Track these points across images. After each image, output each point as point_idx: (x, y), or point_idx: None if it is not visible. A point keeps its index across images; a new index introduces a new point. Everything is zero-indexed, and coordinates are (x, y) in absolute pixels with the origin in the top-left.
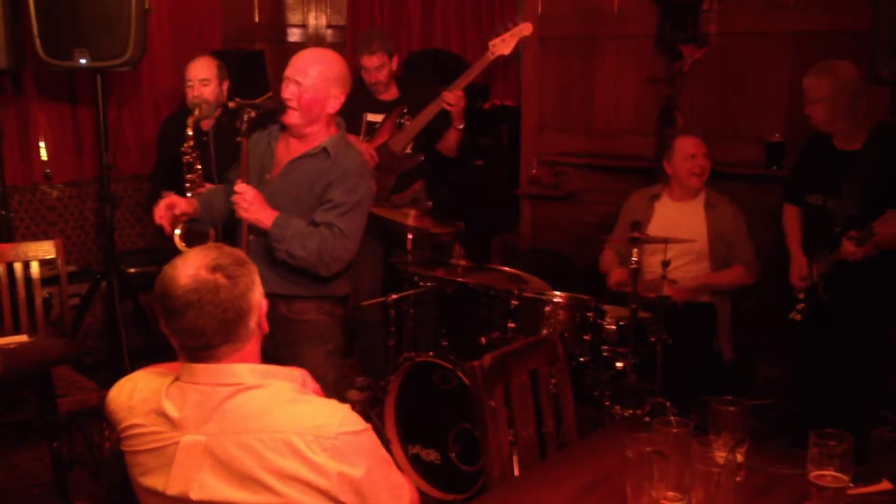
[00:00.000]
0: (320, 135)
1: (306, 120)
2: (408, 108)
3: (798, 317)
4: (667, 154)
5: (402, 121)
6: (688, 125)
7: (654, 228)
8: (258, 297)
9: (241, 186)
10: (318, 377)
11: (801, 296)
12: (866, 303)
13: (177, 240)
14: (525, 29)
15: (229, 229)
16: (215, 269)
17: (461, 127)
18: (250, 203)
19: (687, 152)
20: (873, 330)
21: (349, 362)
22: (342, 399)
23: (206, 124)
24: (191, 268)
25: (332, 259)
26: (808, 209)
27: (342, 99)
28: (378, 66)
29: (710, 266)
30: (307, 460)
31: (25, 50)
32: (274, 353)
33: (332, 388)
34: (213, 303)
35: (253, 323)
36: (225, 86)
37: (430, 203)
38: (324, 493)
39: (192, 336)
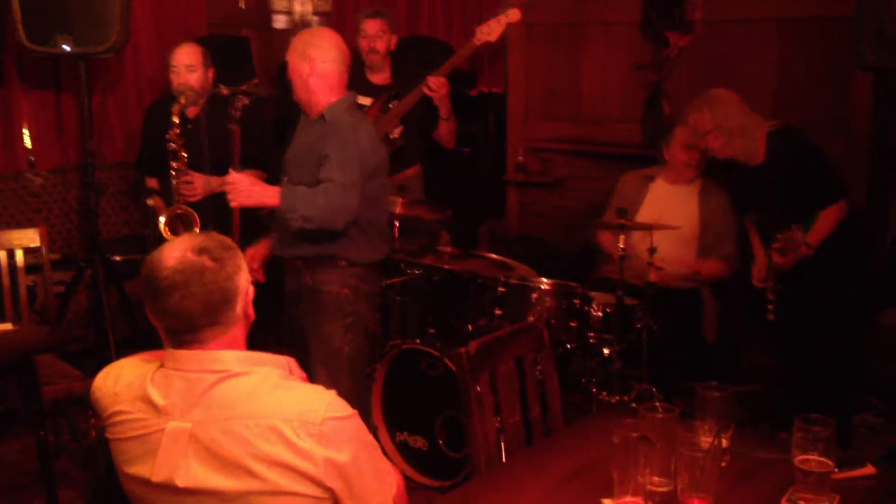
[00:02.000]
0: (322, 106)
1: (298, 94)
2: (399, 91)
3: (772, 317)
4: (666, 139)
5: (389, 104)
6: (675, 112)
7: (645, 209)
8: (244, 283)
9: (233, 176)
10: (333, 349)
11: (771, 296)
12: (819, 297)
13: (162, 228)
14: (512, 15)
15: (219, 220)
16: (201, 251)
17: (447, 117)
18: (249, 188)
19: (685, 142)
20: (832, 322)
21: None
22: (357, 374)
23: (192, 112)
24: (177, 250)
25: (341, 209)
26: (756, 224)
27: (317, 63)
28: (377, 32)
29: (695, 252)
30: (293, 446)
31: (8, 36)
32: (303, 322)
33: (347, 363)
34: (199, 283)
35: (238, 308)
36: (210, 73)
37: (422, 192)
38: (310, 479)
39: (176, 318)
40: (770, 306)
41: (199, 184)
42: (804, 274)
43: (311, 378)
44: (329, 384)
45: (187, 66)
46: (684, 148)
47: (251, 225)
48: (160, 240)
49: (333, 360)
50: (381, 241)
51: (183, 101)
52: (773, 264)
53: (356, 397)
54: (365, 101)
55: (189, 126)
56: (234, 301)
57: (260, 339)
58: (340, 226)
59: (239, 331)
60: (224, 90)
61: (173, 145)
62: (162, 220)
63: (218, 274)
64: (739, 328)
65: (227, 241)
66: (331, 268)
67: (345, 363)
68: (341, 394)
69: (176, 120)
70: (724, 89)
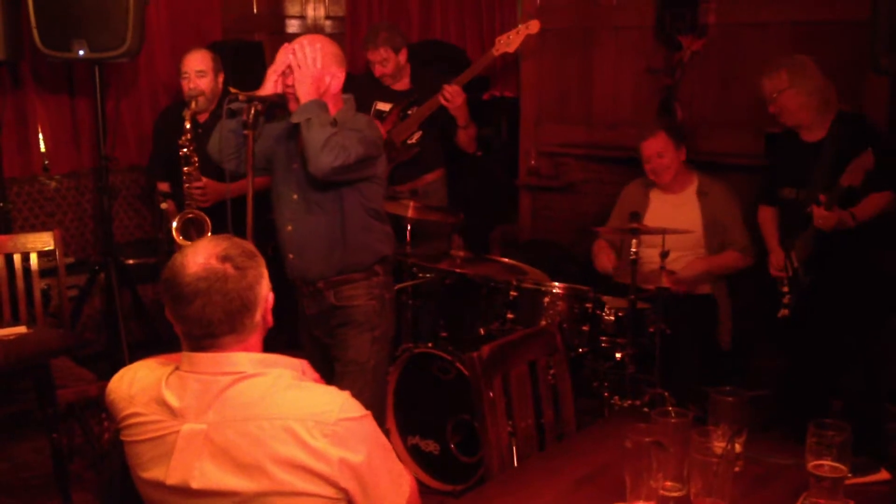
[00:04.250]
0: (331, 112)
1: (315, 95)
2: (419, 98)
3: (786, 312)
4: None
5: (408, 111)
6: (687, 116)
7: (649, 219)
8: (265, 291)
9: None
10: (360, 361)
11: (785, 289)
12: (849, 278)
13: (174, 232)
14: (532, 27)
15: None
16: (225, 259)
17: (465, 125)
18: (314, 67)
19: (643, 156)
20: (863, 307)
21: None
22: (379, 385)
23: (202, 117)
24: (201, 256)
25: (344, 143)
26: (784, 204)
27: (342, 77)
28: (382, 60)
29: (705, 254)
30: (308, 446)
31: (23, 41)
32: (327, 340)
33: (372, 375)
34: (221, 292)
35: (258, 315)
36: (220, 78)
37: (445, 197)
38: (325, 479)
39: (197, 324)
40: (785, 299)
41: (211, 189)
42: (826, 265)
43: None
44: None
45: (198, 71)
46: (644, 160)
47: (264, 228)
48: (173, 243)
49: (360, 374)
50: (391, 231)
51: (194, 106)
52: (807, 238)
53: (375, 407)
54: (385, 106)
55: (200, 130)
56: (253, 309)
57: (272, 340)
58: (327, 159)
59: (257, 337)
60: (242, 96)
61: (185, 150)
62: (174, 224)
63: (240, 283)
64: (754, 332)
65: (251, 248)
66: (354, 283)
67: (370, 376)
68: (360, 403)
69: (188, 125)
70: (804, 56)
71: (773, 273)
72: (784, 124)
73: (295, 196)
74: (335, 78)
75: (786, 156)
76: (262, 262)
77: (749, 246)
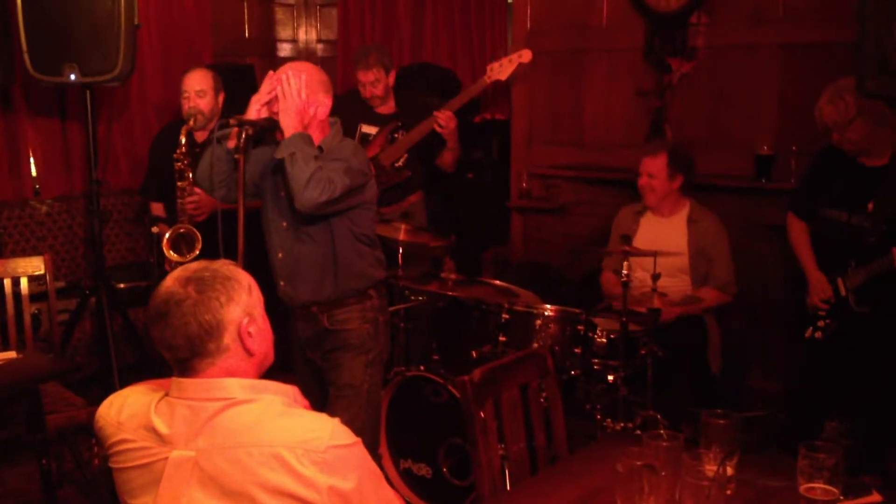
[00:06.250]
0: (317, 140)
1: (302, 124)
2: (404, 121)
3: (819, 335)
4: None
5: (395, 135)
6: (677, 137)
7: (638, 241)
8: (234, 315)
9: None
10: (354, 385)
11: (822, 313)
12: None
13: (164, 245)
14: (524, 56)
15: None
16: (188, 282)
17: (453, 148)
18: (297, 99)
19: (639, 170)
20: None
21: None
22: (374, 408)
23: (200, 136)
24: (170, 279)
25: (327, 178)
26: (827, 224)
27: (328, 104)
28: (373, 81)
29: (689, 281)
30: (297, 474)
31: (14, 65)
32: (321, 363)
33: (366, 398)
34: (178, 316)
35: (227, 339)
36: (221, 98)
37: (424, 219)
38: None
39: (163, 348)
40: (821, 323)
41: (205, 200)
42: (881, 298)
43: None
44: (346, 421)
45: (197, 91)
46: (639, 175)
47: (257, 246)
48: (164, 267)
49: (354, 397)
50: (382, 255)
51: (192, 123)
52: (871, 270)
53: (369, 430)
54: (371, 129)
55: (197, 150)
56: (216, 334)
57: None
58: (312, 194)
59: (234, 363)
60: (233, 120)
61: (180, 165)
62: (166, 235)
63: (197, 307)
64: (744, 353)
65: (227, 271)
66: (348, 307)
67: (364, 399)
68: (355, 428)
69: (183, 139)
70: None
71: (815, 302)
72: (848, 151)
73: (284, 224)
74: (322, 106)
75: (837, 176)
76: (238, 285)
77: (731, 283)
